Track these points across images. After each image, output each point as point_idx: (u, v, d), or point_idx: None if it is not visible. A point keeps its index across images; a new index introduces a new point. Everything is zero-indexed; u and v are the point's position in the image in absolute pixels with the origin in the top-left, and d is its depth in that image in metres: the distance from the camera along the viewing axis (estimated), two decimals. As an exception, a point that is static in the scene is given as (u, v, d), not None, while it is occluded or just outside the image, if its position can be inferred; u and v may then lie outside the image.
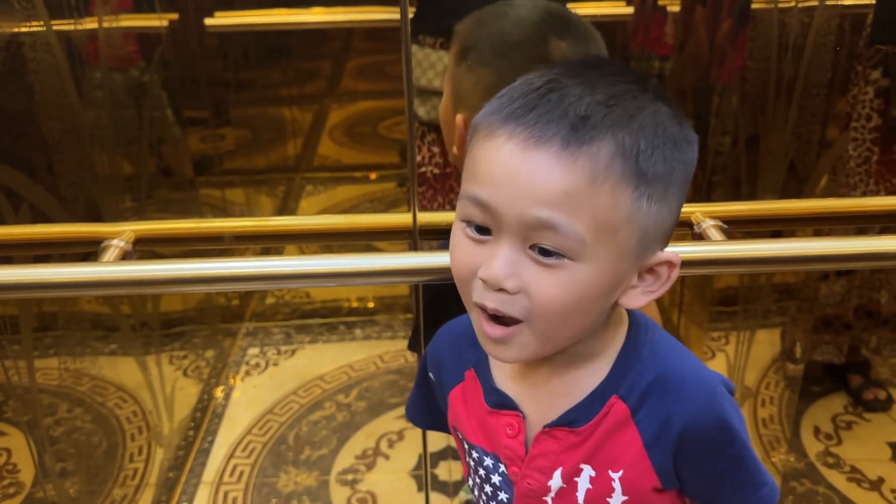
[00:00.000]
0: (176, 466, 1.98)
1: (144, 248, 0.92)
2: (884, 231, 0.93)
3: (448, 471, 1.91)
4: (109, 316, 1.92)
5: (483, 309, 0.61)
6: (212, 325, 2.49)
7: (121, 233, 0.93)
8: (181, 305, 2.37)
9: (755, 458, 0.69)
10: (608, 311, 0.65)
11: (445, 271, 0.86)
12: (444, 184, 1.83)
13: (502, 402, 0.70)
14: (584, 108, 0.57)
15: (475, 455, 0.73)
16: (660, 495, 0.68)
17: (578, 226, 0.56)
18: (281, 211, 3.16)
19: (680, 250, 0.86)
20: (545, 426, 0.68)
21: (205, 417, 2.16)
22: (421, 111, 1.73)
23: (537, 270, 0.58)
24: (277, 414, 2.15)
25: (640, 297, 0.64)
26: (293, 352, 2.44)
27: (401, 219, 0.89)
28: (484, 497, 0.74)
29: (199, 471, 1.97)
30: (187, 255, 0.97)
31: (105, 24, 1.62)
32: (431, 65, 1.73)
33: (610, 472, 0.67)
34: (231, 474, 1.96)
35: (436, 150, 1.81)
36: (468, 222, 0.61)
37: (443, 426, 0.81)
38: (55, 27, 1.45)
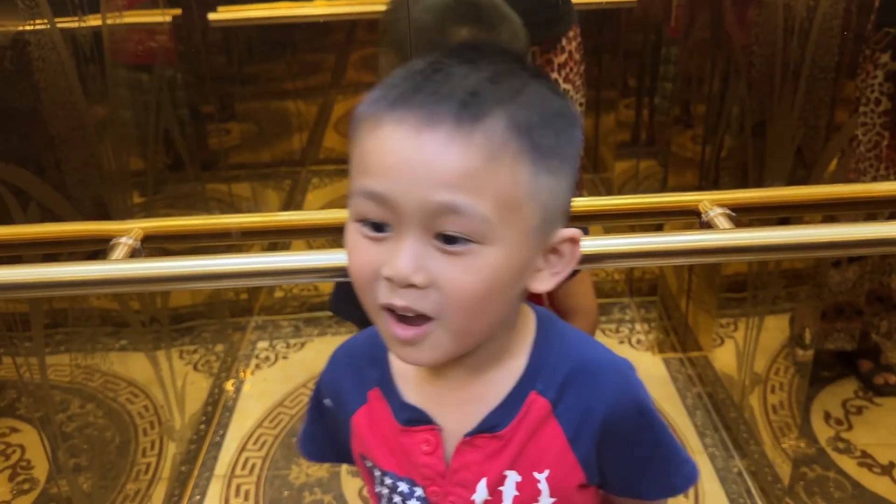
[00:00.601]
0: (188, 460, 1.99)
1: (153, 245, 0.92)
2: (893, 216, 0.93)
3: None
4: (119, 312, 1.92)
5: (391, 310, 0.58)
6: (221, 320, 2.49)
7: (129, 230, 0.93)
8: (190, 300, 2.37)
9: (673, 438, 0.69)
10: (518, 300, 0.63)
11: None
12: None
13: (415, 418, 0.66)
14: (471, 85, 0.55)
15: (388, 482, 0.68)
16: (584, 492, 0.67)
17: (482, 206, 0.54)
18: (287, 204, 3.16)
19: (688, 239, 0.86)
20: (465, 435, 0.65)
21: (216, 411, 2.17)
22: None
23: (445, 260, 0.55)
24: (288, 406, 2.16)
25: (548, 280, 0.62)
26: (302, 344, 2.44)
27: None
28: None
29: (212, 464, 1.98)
30: (194, 251, 0.97)
31: (109, 21, 1.62)
32: None
33: (535, 473, 0.65)
34: (243, 467, 1.97)
35: None
36: (363, 221, 0.57)
37: (345, 457, 0.76)
38: (59, 25, 1.45)
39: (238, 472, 1.96)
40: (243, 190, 2.80)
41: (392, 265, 0.55)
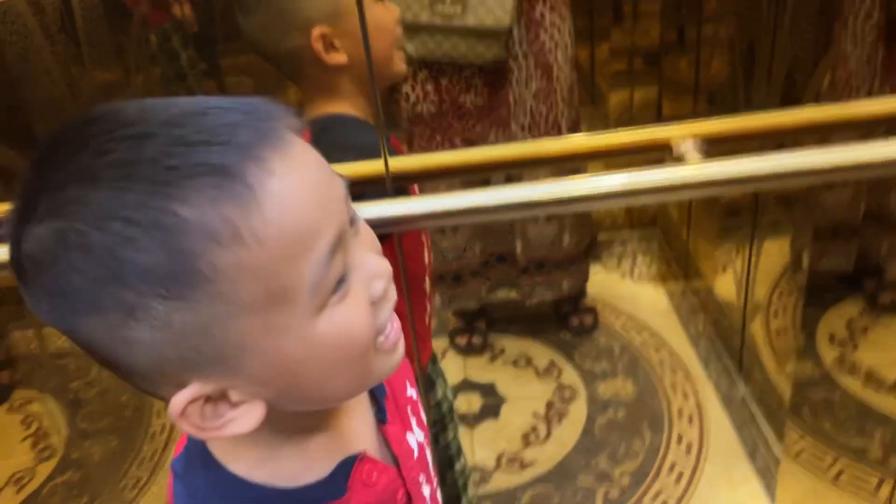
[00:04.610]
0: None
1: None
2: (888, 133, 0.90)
3: (467, 402, 1.94)
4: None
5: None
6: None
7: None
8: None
9: None
10: None
11: (426, 217, 0.85)
12: (441, 122, 1.80)
13: (345, 470, 0.56)
14: (213, 99, 0.45)
15: None
16: None
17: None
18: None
19: (657, 177, 0.84)
20: (378, 419, 0.60)
21: (227, 369, 2.21)
22: (409, 48, 1.69)
23: (362, 238, 0.50)
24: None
25: None
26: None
27: (371, 166, 0.87)
28: None
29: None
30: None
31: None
32: None
33: (406, 391, 0.66)
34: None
35: (429, 87, 1.77)
36: (335, 290, 0.46)
37: None
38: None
39: (251, 426, 2.00)
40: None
41: (378, 270, 0.49)
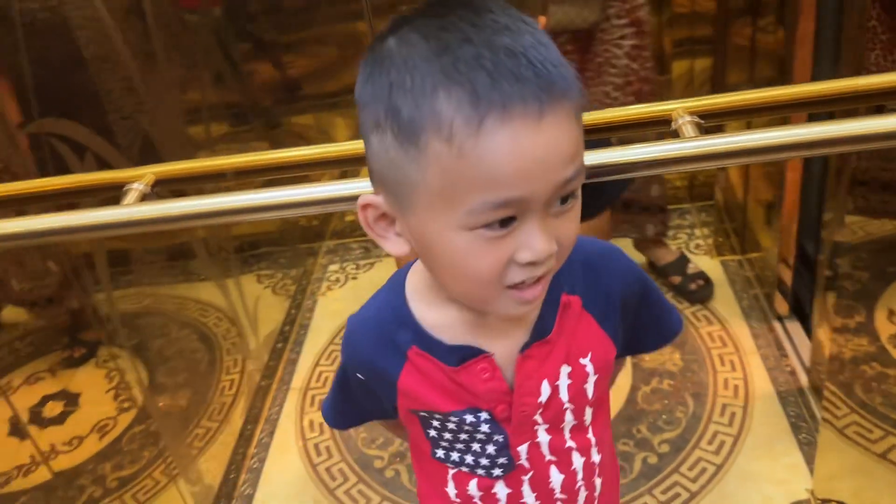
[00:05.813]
0: (267, 376, 2.17)
1: (175, 188, 1.00)
2: (879, 110, 0.89)
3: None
4: (188, 243, 2.07)
5: (520, 283, 0.59)
6: (293, 246, 2.64)
7: (141, 176, 1.02)
8: (263, 228, 2.52)
9: (662, 294, 0.80)
10: None
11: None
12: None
13: (466, 354, 0.69)
14: (530, 47, 0.53)
15: (453, 421, 0.71)
16: (613, 361, 0.76)
17: (582, 159, 0.57)
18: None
19: (655, 150, 0.87)
20: (521, 350, 0.69)
21: (292, 330, 2.33)
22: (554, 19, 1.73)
23: (561, 220, 0.58)
24: (358, 324, 2.29)
25: None
26: (371, 265, 2.56)
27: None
28: (472, 457, 0.73)
29: (289, 379, 2.15)
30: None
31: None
32: None
33: (581, 360, 0.71)
34: (317, 380, 2.12)
35: (569, 48, 1.79)
36: (486, 226, 0.55)
37: (368, 418, 0.85)
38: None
39: (313, 384, 2.11)
40: (309, 120, 2.89)
41: (534, 249, 0.56)
